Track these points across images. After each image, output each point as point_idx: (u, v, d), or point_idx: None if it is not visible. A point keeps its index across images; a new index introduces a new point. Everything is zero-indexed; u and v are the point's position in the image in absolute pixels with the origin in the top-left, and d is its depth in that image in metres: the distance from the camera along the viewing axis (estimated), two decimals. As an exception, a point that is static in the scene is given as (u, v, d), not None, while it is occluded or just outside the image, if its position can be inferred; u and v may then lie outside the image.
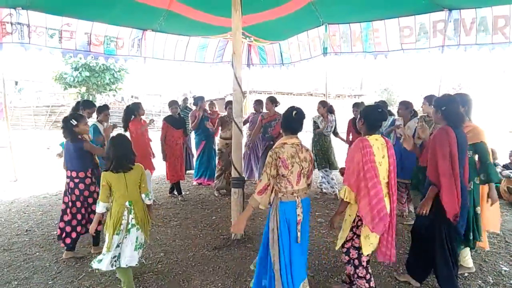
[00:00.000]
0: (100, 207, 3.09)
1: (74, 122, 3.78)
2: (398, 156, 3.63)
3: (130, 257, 3.09)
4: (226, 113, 6.79)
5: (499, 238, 4.58)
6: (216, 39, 9.20)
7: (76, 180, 3.83)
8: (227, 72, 10.35)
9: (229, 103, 6.60)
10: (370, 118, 2.92)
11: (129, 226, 3.06)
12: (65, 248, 3.94)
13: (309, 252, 4.15)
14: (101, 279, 3.50)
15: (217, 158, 6.91)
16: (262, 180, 2.75)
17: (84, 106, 5.03)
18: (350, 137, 6.45)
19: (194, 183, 7.46)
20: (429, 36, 6.72)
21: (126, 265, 3.09)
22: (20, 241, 4.48)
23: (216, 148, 7.03)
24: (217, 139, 7.15)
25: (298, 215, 2.75)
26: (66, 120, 3.82)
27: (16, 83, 32.20)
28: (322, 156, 6.53)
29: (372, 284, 2.97)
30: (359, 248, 2.93)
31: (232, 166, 4.37)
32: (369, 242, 2.84)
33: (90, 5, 6.51)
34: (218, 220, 5.25)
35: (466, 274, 3.58)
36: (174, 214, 5.57)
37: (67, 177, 3.88)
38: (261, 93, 24.93)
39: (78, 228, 3.89)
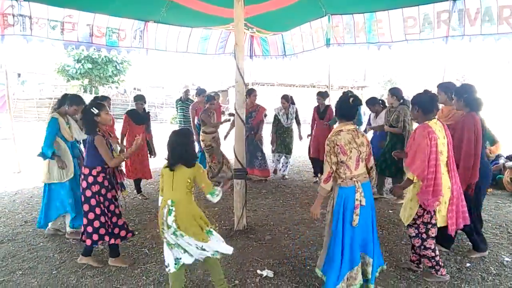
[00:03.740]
0: (159, 199, 2.92)
1: (95, 111, 3.38)
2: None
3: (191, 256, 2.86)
4: (207, 107, 6.54)
5: (502, 229, 4.57)
6: (218, 30, 9.14)
7: (90, 179, 3.39)
8: (229, 63, 10.31)
9: (211, 98, 6.59)
10: (424, 104, 3.10)
11: (172, 229, 2.73)
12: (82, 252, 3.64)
13: (311, 242, 4.19)
14: (104, 269, 3.53)
15: (207, 155, 6.61)
16: (325, 169, 2.86)
17: (71, 101, 4.27)
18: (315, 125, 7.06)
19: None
20: (433, 26, 6.66)
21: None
22: (24, 231, 4.52)
23: (203, 145, 6.64)
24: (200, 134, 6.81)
25: (357, 199, 2.81)
26: (86, 110, 3.45)
27: (19, 75, 32.26)
28: (280, 144, 7.13)
29: (437, 252, 3.22)
30: (427, 223, 3.14)
31: (235, 157, 4.37)
32: (441, 215, 3.11)
33: (92, -4, 6.49)
34: (220, 211, 5.27)
35: (468, 265, 3.59)
36: (177, 205, 5.58)
37: (81, 174, 3.50)
38: (263, 85, 24.85)
39: (102, 231, 3.46)
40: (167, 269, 2.88)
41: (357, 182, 2.84)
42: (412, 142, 3.10)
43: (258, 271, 3.49)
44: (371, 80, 34.10)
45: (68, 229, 4.33)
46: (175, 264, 2.83)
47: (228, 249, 2.95)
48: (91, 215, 3.41)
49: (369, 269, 2.94)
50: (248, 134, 6.57)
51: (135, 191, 6.10)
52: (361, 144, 2.86)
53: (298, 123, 7.21)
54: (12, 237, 4.33)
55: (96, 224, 3.41)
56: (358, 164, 2.86)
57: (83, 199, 3.44)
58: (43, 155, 4.16)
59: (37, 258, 3.79)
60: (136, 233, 4.26)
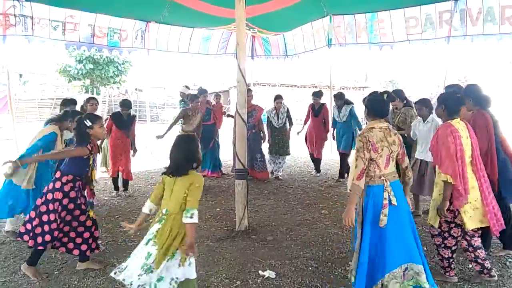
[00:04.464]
0: (145, 207, 2.73)
1: (88, 123, 3.26)
2: None
3: (132, 272, 2.46)
4: (190, 106, 6.57)
5: (504, 230, 4.54)
6: (219, 30, 9.14)
7: (58, 185, 3.25)
8: (231, 64, 10.30)
9: (194, 96, 6.62)
10: (450, 103, 3.13)
11: (151, 236, 2.56)
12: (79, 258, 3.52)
13: (313, 243, 4.17)
14: (106, 270, 3.52)
15: None
16: (358, 166, 2.73)
17: (74, 117, 3.99)
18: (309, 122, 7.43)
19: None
20: (435, 26, 6.64)
21: (122, 280, 2.48)
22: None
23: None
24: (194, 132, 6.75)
25: (385, 198, 2.73)
26: (79, 120, 3.32)
27: (21, 75, 32.31)
28: (275, 145, 7.19)
29: (454, 255, 3.24)
30: (450, 222, 3.16)
31: (236, 158, 4.37)
32: (468, 216, 3.05)
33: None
34: (222, 212, 5.26)
35: (470, 266, 3.58)
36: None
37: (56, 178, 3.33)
38: (265, 85, 24.87)
39: (47, 238, 3.20)
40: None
41: (385, 180, 2.78)
42: (435, 143, 3.10)
43: (260, 272, 3.47)
44: (372, 81, 34.08)
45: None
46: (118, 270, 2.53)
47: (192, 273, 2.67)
48: (45, 217, 3.19)
49: (422, 278, 2.69)
50: (250, 132, 6.59)
51: (123, 192, 6.27)
52: (393, 143, 2.81)
53: (291, 122, 7.32)
54: (14, 238, 4.32)
55: (46, 228, 3.19)
56: (388, 163, 2.81)
57: (43, 199, 3.25)
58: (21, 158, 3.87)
59: (39, 259, 3.78)
60: (138, 233, 4.24)
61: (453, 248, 3.22)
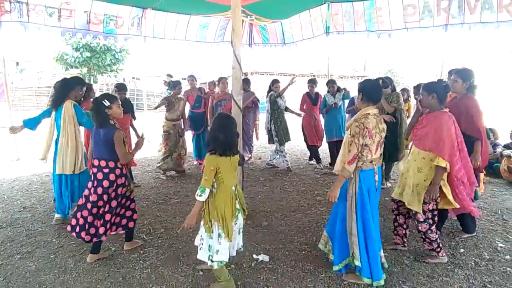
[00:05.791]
0: (205, 194, 2.73)
1: (106, 103, 3.29)
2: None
3: (238, 242, 3.05)
4: (172, 93, 6.59)
5: (497, 216, 4.61)
6: (217, 18, 9.07)
7: (106, 170, 3.27)
8: (228, 52, 10.24)
9: (176, 83, 6.62)
10: (440, 91, 3.19)
11: (237, 211, 2.90)
12: (90, 251, 3.46)
13: (307, 228, 4.23)
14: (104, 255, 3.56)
15: (163, 140, 6.58)
16: (351, 150, 2.86)
17: (79, 83, 4.44)
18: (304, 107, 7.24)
19: (195, 162, 7.49)
20: (433, 14, 6.59)
21: (239, 250, 3.09)
22: (22, 217, 4.55)
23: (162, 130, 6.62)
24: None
25: (376, 181, 2.96)
26: (97, 101, 3.33)
27: (17, 63, 32.04)
28: (286, 132, 6.93)
29: (438, 236, 3.42)
30: (433, 209, 3.29)
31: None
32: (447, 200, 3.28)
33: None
34: (218, 198, 5.29)
35: (461, 250, 3.63)
36: (174, 192, 5.62)
37: (94, 166, 3.34)
38: (263, 74, 24.75)
39: (109, 227, 3.36)
40: (214, 264, 2.80)
41: (375, 165, 2.96)
42: (434, 130, 3.16)
43: (254, 256, 3.53)
44: (371, 70, 33.94)
45: (57, 215, 4.32)
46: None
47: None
48: (102, 210, 3.26)
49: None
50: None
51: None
52: (382, 130, 2.98)
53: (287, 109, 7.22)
54: (10, 223, 4.36)
55: (107, 217, 3.29)
56: (377, 148, 2.96)
57: (99, 191, 3.23)
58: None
59: (36, 243, 3.83)
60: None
61: (436, 231, 3.39)
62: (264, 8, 7.93)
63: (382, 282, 2.95)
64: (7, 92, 7.90)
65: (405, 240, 3.64)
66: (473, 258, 3.50)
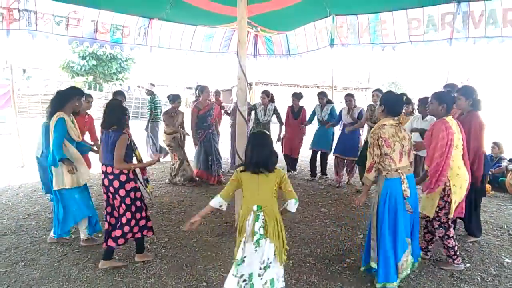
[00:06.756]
0: (214, 201, 2.67)
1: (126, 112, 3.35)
2: (343, 139, 6.53)
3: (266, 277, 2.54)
4: (170, 108, 6.73)
5: (503, 231, 4.57)
6: (222, 29, 9.16)
7: (111, 177, 3.34)
8: (233, 63, 10.32)
9: (176, 97, 6.75)
10: (449, 101, 3.35)
11: (257, 236, 2.52)
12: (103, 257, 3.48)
13: (311, 240, 4.21)
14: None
15: (171, 153, 6.76)
16: (368, 160, 3.09)
17: (80, 95, 4.10)
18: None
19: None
20: (438, 28, 6.63)
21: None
22: (27, 224, 4.56)
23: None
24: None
25: (405, 190, 3.00)
26: (117, 105, 3.38)
27: (24, 71, 32.38)
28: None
29: (456, 243, 3.47)
30: (447, 214, 3.37)
31: (236, 154, 4.39)
32: (454, 206, 3.34)
33: (97, -7, 6.51)
34: (221, 208, 5.29)
35: (467, 265, 3.60)
36: (178, 202, 5.62)
37: (102, 172, 3.41)
38: (267, 85, 24.87)
39: (135, 229, 3.44)
40: None
41: (402, 173, 3.01)
42: (430, 137, 3.34)
43: (258, 267, 3.50)
44: (375, 82, 34.04)
45: (84, 236, 3.97)
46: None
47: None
48: (128, 215, 3.36)
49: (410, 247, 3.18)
50: (206, 132, 6.60)
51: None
52: (403, 138, 3.05)
53: (280, 122, 7.36)
54: (15, 229, 4.36)
55: (133, 222, 3.39)
56: (402, 157, 3.04)
57: (118, 198, 3.33)
58: (54, 162, 3.67)
59: (40, 250, 3.83)
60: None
61: (454, 236, 3.45)
62: (270, 20, 8.01)
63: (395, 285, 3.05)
64: (14, 99, 7.97)
65: (429, 247, 3.72)
66: (479, 274, 3.46)
